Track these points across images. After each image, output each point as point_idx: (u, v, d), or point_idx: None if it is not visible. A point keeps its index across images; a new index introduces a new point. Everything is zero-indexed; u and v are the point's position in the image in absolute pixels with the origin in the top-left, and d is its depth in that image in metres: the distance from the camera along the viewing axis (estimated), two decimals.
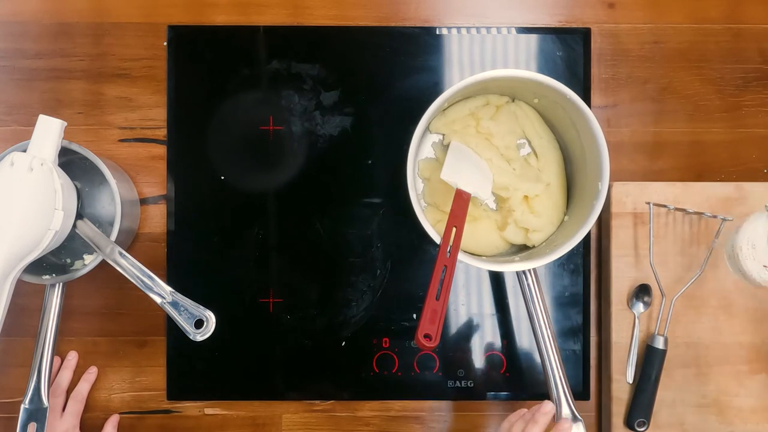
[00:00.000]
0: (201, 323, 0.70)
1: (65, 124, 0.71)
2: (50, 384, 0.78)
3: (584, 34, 0.88)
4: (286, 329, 0.87)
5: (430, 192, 0.82)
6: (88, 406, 0.86)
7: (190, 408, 0.87)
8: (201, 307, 0.70)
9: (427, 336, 0.66)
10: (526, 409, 0.74)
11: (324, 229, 0.87)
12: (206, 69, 0.87)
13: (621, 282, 0.84)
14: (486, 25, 0.88)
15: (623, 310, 0.84)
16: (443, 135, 0.83)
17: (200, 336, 0.70)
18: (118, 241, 0.75)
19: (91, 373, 0.86)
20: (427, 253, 0.87)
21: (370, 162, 0.87)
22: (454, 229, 0.70)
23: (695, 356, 0.83)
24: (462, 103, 0.82)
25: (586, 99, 0.87)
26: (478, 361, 0.86)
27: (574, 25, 0.88)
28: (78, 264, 0.81)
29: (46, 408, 0.75)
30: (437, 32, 0.88)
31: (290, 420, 0.87)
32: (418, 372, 0.86)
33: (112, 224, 0.77)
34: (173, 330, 0.84)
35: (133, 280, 0.72)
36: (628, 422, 0.82)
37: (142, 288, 0.71)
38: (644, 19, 0.88)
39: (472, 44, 0.88)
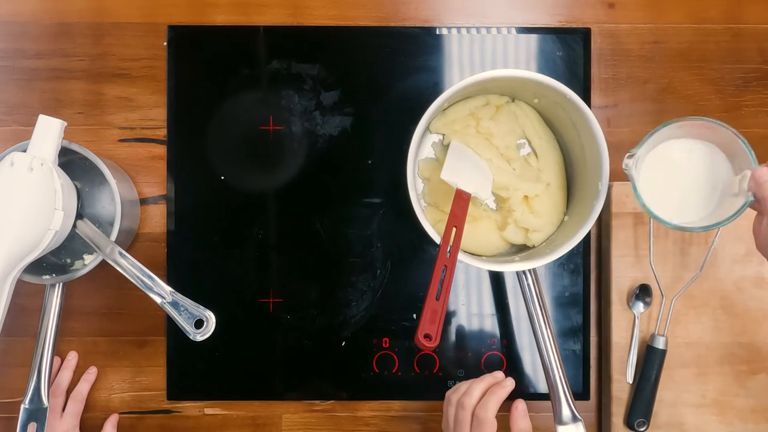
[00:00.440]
0: (201, 323, 0.70)
1: (65, 124, 0.71)
2: (50, 384, 0.78)
3: (584, 34, 0.88)
4: (286, 329, 0.87)
5: (430, 192, 0.82)
6: (88, 406, 0.86)
7: (190, 408, 0.87)
8: (201, 307, 0.70)
9: (427, 336, 0.66)
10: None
11: (324, 229, 0.87)
12: (206, 69, 0.87)
13: (621, 282, 0.84)
14: (486, 25, 0.88)
15: (623, 310, 0.84)
16: (443, 135, 0.83)
17: (200, 336, 0.70)
18: (118, 241, 0.75)
19: (91, 373, 0.86)
20: (427, 253, 0.87)
21: (370, 162, 0.87)
22: (454, 229, 0.70)
23: (695, 356, 0.83)
24: (462, 103, 0.82)
25: (586, 99, 0.87)
26: (478, 361, 0.86)
27: (574, 25, 0.88)
28: (78, 264, 0.81)
29: (46, 408, 0.75)
30: (437, 32, 0.88)
31: (290, 420, 0.87)
32: (418, 372, 0.86)
33: (112, 224, 0.77)
34: (173, 330, 0.84)
35: (133, 280, 0.72)
36: (628, 422, 0.82)
37: (142, 288, 0.71)
38: (644, 19, 0.88)
39: (472, 44, 0.88)
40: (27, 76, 0.87)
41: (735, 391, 0.83)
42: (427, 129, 0.83)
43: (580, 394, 0.87)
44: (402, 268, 0.87)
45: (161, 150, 0.87)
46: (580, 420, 0.73)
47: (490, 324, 0.87)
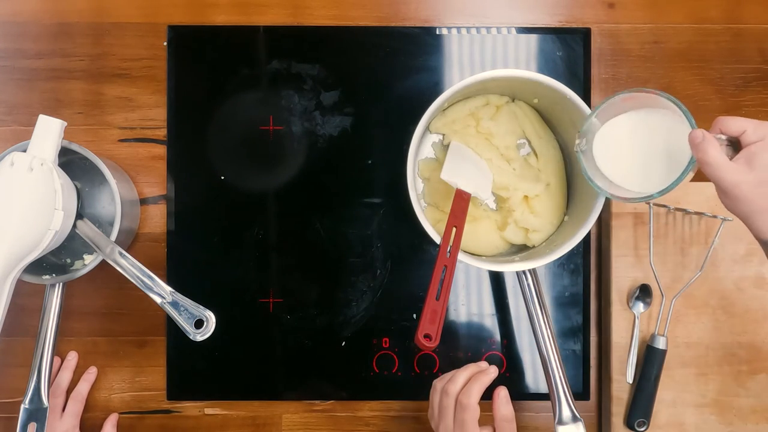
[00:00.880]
0: (201, 323, 0.70)
1: (65, 124, 0.71)
2: (50, 384, 0.78)
3: (584, 34, 0.88)
4: (286, 329, 0.87)
5: (430, 192, 0.82)
6: (88, 406, 0.86)
7: (190, 408, 0.87)
8: (201, 307, 0.70)
9: (427, 336, 0.66)
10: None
11: (324, 229, 0.87)
12: (206, 69, 0.87)
13: (621, 282, 0.84)
14: (486, 25, 0.88)
15: (623, 310, 0.84)
16: (443, 135, 0.83)
17: (200, 336, 0.70)
18: (118, 241, 0.75)
19: (91, 373, 0.86)
20: (427, 253, 0.87)
21: (370, 162, 0.87)
22: (454, 229, 0.70)
23: (695, 356, 0.83)
24: (462, 103, 0.82)
25: (586, 99, 0.87)
26: (478, 360, 0.86)
27: (574, 25, 0.88)
28: (78, 264, 0.81)
29: (46, 408, 0.75)
30: (437, 32, 0.88)
31: (290, 420, 0.87)
32: (418, 372, 0.86)
33: (112, 224, 0.77)
34: (173, 330, 0.84)
35: (133, 280, 0.72)
36: (628, 422, 0.82)
37: (142, 288, 0.71)
38: (644, 19, 0.88)
39: (472, 44, 0.88)
40: (27, 76, 0.87)
41: (735, 391, 0.83)
42: (427, 129, 0.83)
43: (580, 394, 0.87)
44: (402, 268, 0.87)
45: (161, 150, 0.87)
46: (580, 420, 0.73)
47: (490, 324, 0.87)
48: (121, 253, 0.73)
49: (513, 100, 0.83)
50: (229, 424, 0.87)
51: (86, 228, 0.74)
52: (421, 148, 0.83)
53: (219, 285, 0.87)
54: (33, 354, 0.76)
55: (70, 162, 0.79)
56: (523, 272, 0.77)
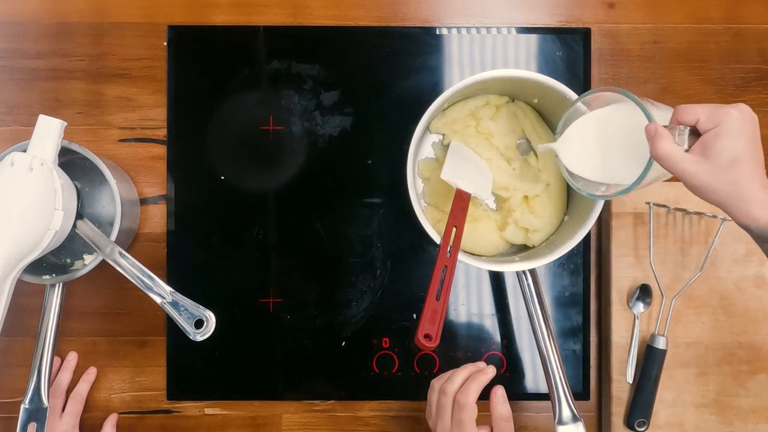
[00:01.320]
0: (201, 323, 0.70)
1: (65, 124, 0.71)
2: (50, 384, 0.78)
3: (584, 34, 0.88)
4: (286, 329, 0.87)
5: (430, 192, 0.82)
6: (88, 406, 0.86)
7: (190, 408, 0.87)
8: (201, 307, 0.70)
9: (427, 336, 0.66)
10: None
11: (324, 229, 0.87)
12: (206, 69, 0.87)
13: (621, 282, 0.84)
14: (486, 25, 0.88)
15: (623, 310, 0.84)
16: (443, 135, 0.83)
17: (200, 336, 0.70)
18: (118, 241, 0.75)
19: (91, 373, 0.86)
20: (427, 253, 0.87)
21: (370, 162, 0.87)
22: (454, 229, 0.70)
23: (695, 356, 0.83)
24: (462, 103, 0.82)
25: None
26: (478, 360, 0.86)
27: (574, 25, 0.88)
28: (78, 264, 0.81)
29: (46, 408, 0.75)
30: (437, 32, 0.88)
31: (290, 420, 0.87)
32: (418, 372, 0.86)
33: (112, 224, 0.77)
34: (173, 330, 0.84)
35: (133, 280, 0.72)
36: (628, 422, 0.82)
37: (142, 288, 0.71)
38: (644, 19, 0.88)
39: (472, 44, 0.88)
40: (27, 76, 0.87)
41: (735, 391, 0.83)
42: (427, 129, 0.83)
43: (580, 394, 0.87)
44: (402, 268, 0.87)
45: (161, 150, 0.87)
46: (580, 420, 0.73)
47: (490, 324, 0.87)
48: (121, 253, 0.73)
49: (513, 100, 0.83)
50: (229, 424, 0.87)
51: (86, 228, 0.74)
52: (421, 148, 0.83)
53: (219, 285, 0.87)
54: (33, 354, 0.76)
55: (70, 162, 0.79)
56: (523, 272, 0.77)
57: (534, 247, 0.81)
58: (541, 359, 0.75)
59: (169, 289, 0.71)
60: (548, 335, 0.75)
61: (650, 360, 0.81)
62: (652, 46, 0.88)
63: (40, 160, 0.68)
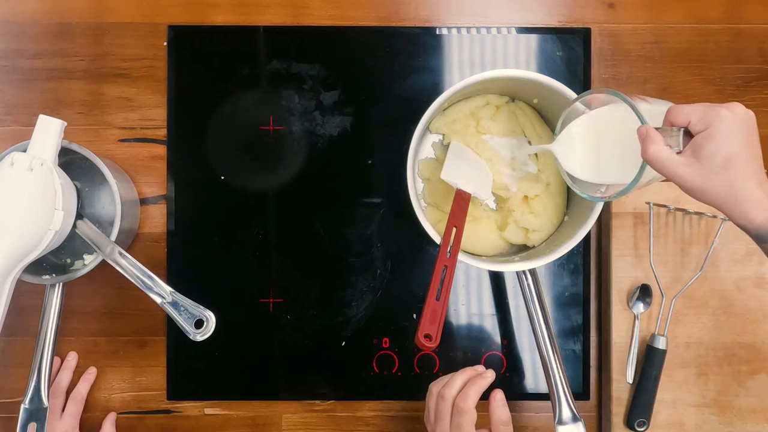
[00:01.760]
0: (201, 323, 0.70)
1: (65, 124, 0.71)
2: (50, 384, 0.78)
3: (584, 34, 0.88)
4: (286, 329, 0.87)
5: (430, 192, 0.82)
6: (88, 406, 0.86)
7: (190, 408, 0.87)
8: (201, 307, 0.70)
9: (427, 336, 0.66)
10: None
11: (324, 229, 0.87)
12: (206, 69, 0.87)
13: (621, 282, 0.84)
14: (486, 25, 0.88)
15: (623, 310, 0.84)
16: (443, 135, 0.83)
17: (200, 336, 0.70)
18: (118, 241, 0.75)
19: (91, 373, 0.86)
20: (427, 253, 0.87)
21: (370, 162, 0.87)
22: (454, 229, 0.70)
23: (695, 356, 0.83)
24: (462, 103, 0.82)
25: None
26: (478, 361, 0.86)
27: (574, 25, 0.88)
28: (78, 264, 0.81)
29: (46, 408, 0.75)
30: (437, 32, 0.88)
31: (290, 420, 0.87)
32: (418, 372, 0.86)
33: (112, 224, 0.77)
34: (173, 330, 0.84)
35: (133, 280, 0.72)
36: (628, 422, 0.82)
37: (142, 288, 0.71)
38: (644, 19, 0.88)
39: (472, 44, 0.88)
40: (27, 76, 0.87)
41: (735, 391, 0.83)
42: (427, 129, 0.83)
43: (580, 394, 0.87)
44: (402, 268, 0.87)
45: (161, 150, 0.87)
46: (580, 420, 0.73)
47: (490, 324, 0.87)
48: (121, 253, 0.73)
49: (513, 100, 0.83)
50: (229, 424, 0.87)
51: (86, 228, 0.74)
52: (421, 148, 0.83)
53: (219, 285, 0.87)
54: (33, 354, 0.76)
55: (70, 162, 0.79)
56: (523, 272, 0.77)
57: (534, 247, 0.81)
58: (541, 359, 0.75)
59: (169, 289, 0.71)
60: (548, 335, 0.75)
61: (650, 360, 0.81)
62: (652, 46, 0.88)
63: (40, 160, 0.68)
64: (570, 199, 0.83)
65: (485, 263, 0.76)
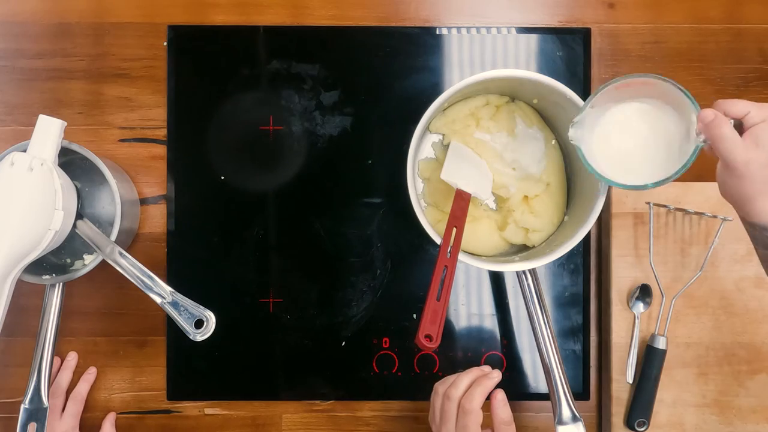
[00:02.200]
0: (201, 323, 0.70)
1: (65, 124, 0.71)
2: (50, 384, 0.78)
3: (584, 34, 0.88)
4: (286, 329, 0.87)
5: (430, 192, 0.82)
6: (88, 406, 0.86)
7: (190, 408, 0.87)
8: (201, 307, 0.70)
9: (428, 336, 0.65)
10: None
11: (324, 229, 0.87)
12: (206, 69, 0.87)
13: (621, 282, 0.84)
14: (486, 25, 0.88)
15: (623, 310, 0.84)
16: (443, 135, 0.83)
17: (200, 336, 0.70)
18: (118, 241, 0.75)
19: (91, 373, 0.86)
20: (427, 253, 0.87)
21: (370, 162, 0.87)
22: (455, 230, 0.70)
23: (695, 356, 0.83)
24: (462, 103, 0.82)
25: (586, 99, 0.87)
26: (478, 361, 0.86)
27: (574, 25, 0.88)
28: (78, 264, 0.81)
29: (46, 408, 0.75)
30: (437, 32, 0.88)
31: (290, 420, 0.87)
32: (418, 372, 0.86)
33: (112, 224, 0.77)
34: (173, 330, 0.84)
35: (133, 280, 0.72)
36: (628, 422, 0.82)
37: (142, 288, 0.71)
38: (644, 19, 0.88)
39: (472, 44, 0.88)
40: (27, 76, 0.87)
41: (735, 391, 0.83)
42: (427, 129, 0.83)
43: (580, 394, 0.87)
44: (402, 268, 0.87)
45: (161, 150, 0.87)
46: (580, 420, 0.73)
47: (490, 324, 0.87)
48: (121, 253, 0.73)
49: (513, 100, 0.83)
50: (229, 424, 0.87)
51: (86, 228, 0.74)
52: (421, 148, 0.83)
53: (219, 285, 0.87)
54: (33, 354, 0.76)
55: (70, 162, 0.79)
56: (523, 272, 0.77)
57: (534, 247, 0.81)
58: (541, 359, 0.75)
59: (169, 289, 0.71)
60: (548, 335, 0.75)
61: (650, 360, 0.81)
62: (652, 46, 0.88)
63: (40, 160, 0.68)
64: (570, 199, 0.83)
65: (485, 263, 0.76)
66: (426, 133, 0.83)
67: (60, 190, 0.68)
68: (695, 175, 0.87)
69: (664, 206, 0.82)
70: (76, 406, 0.84)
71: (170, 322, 0.81)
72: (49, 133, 0.70)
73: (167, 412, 0.87)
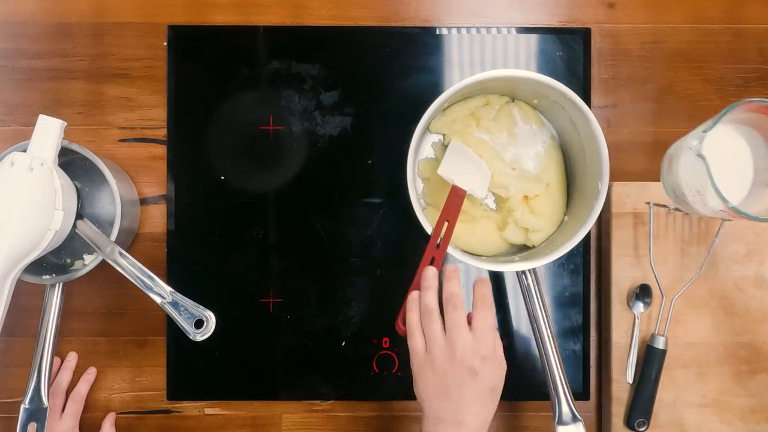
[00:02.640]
0: (201, 323, 0.70)
1: (65, 124, 0.71)
2: (50, 384, 0.78)
3: (584, 34, 0.88)
4: (286, 329, 0.87)
5: (430, 192, 0.82)
6: (88, 407, 0.86)
7: (190, 408, 0.87)
8: (201, 307, 0.70)
9: None
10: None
11: (324, 229, 0.87)
12: (206, 69, 0.87)
13: (621, 282, 0.84)
14: (486, 25, 0.88)
15: (623, 310, 0.84)
16: (443, 135, 0.83)
17: (200, 336, 0.70)
18: (118, 241, 0.75)
19: (90, 373, 0.86)
20: None
21: (370, 162, 0.87)
22: (446, 224, 0.71)
23: (695, 356, 0.83)
24: (462, 103, 0.82)
25: (586, 99, 0.87)
26: None
27: (574, 25, 0.88)
28: (78, 264, 0.81)
29: (46, 408, 0.75)
30: (437, 32, 0.88)
31: (290, 420, 0.87)
32: None
33: (112, 224, 0.77)
34: (173, 330, 0.84)
35: (133, 280, 0.72)
36: (628, 422, 0.82)
37: (142, 288, 0.71)
38: (644, 19, 0.88)
39: (472, 44, 0.88)
40: (27, 76, 0.87)
41: (735, 391, 0.83)
42: (427, 129, 0.83)
43: (580, 394, 0.87)
44: (402, 268, 0.87)
45: (161, 150, 0.87)
46: (580, 420, 0.73)
47: None
48: (121, 253, 0.73)
49: (513, 100, 0.83)
50: (229, 424, 0.87)
51: (86, 228, 0.74)
52: (421, 148, 0.83)
53: (219, 285, 0.87)
54: (33, 354, 0.76)
55: (70, 162, 0.79)
56: (523, 272, 0.77)
57: (534, 247, 0.81)
58: (541, 359, 0.75)
59: (169, 289, 0.71)
60: (548, 335, 0.75)
61: (650, 360, 0.81)
62: (652, 46, 0.88)
63: (40, 160, 0.68)
64: (570, 199, 0.83)
65: (485, 263, 0.76)
66: (426, 133, 0.83)
67: (60, 190, 0.68)
68: None
69: (664, 206, 0.82)
70: (76, 406, 0.84)
71: (170, 322, 0.81)
72: (49, 133, 0.70)
73: (167, 412, 0.87)
